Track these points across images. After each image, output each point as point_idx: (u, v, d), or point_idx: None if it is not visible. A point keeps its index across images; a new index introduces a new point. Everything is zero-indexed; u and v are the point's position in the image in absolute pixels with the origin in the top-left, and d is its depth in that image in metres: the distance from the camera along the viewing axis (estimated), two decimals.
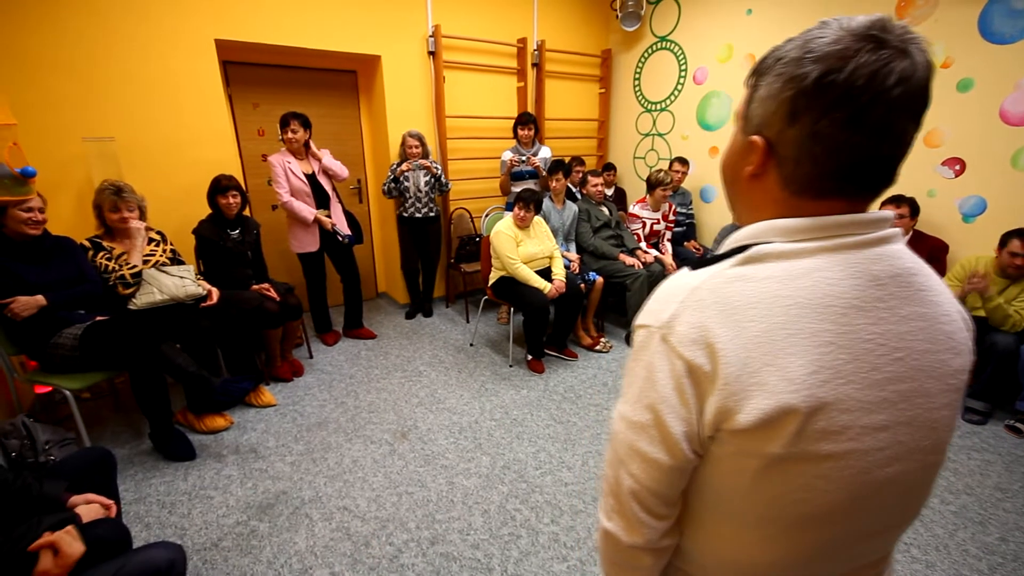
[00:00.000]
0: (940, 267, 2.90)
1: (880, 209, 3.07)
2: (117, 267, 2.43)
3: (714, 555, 0.63)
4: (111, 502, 1.45)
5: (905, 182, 3.11)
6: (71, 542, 1.09)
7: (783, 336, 0.50)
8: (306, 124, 3.19)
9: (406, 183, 3.70)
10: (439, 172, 3.75)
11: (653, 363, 0.56)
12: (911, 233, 2.99)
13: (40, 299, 2.14)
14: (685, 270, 0.58)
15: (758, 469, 0.52)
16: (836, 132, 0.49)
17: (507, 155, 3.91)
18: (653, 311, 0.58)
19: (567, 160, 4.15)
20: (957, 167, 2.97)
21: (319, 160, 3.31)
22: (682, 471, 0.58)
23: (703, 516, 0.62)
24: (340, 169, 3.38)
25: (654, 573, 0.66)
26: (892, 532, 0.62)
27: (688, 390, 0.53)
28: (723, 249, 0.58)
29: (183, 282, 2.56)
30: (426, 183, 3.73)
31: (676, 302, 0.55)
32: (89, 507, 1.37)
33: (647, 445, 0.57)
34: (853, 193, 0.53)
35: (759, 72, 0.56)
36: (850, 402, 0.50)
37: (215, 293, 2.68)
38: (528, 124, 3.85)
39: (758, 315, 0.51)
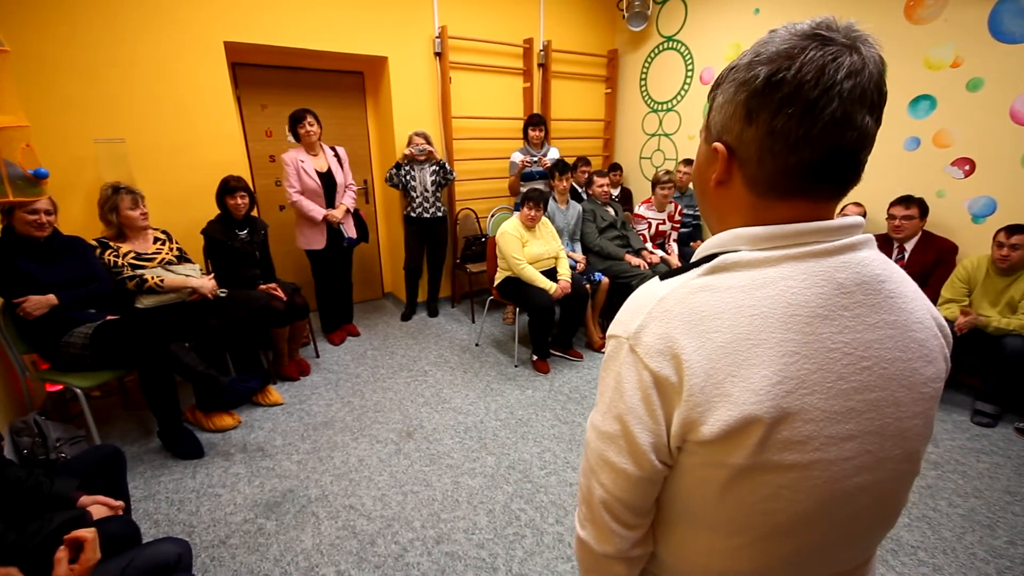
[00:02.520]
0: (949, 268, 2.88)
1: (888, 210, 3.05)
2: (124, 264, 2.46)
3: (689, 564, 0.63)
4: (120, 504, 1.47)
5: (914, 183, 3.09)
6: (95, 547, 1.11)
7: (747, 347, 0.50)
8: (318, 119, 3.23)
9: (413, 182, 3.72)
10: (442, 160, 3.78)
11: (621, 374, 0.56)
12: (920, 234, 2.97)
13: (51, 298, 2.17)
14: (655, 280, 0.59)
15: (725, 479, 0.52)
16: (793, 127, 0.50)
17: (517, 156, 3.93)
18: (622, 321, 0.58)
19: (573, 161, 4.16)
20: (967, 167, 2.95)
21: (337, 156, 3.40)
22: (651, 481, 0.58)
23: (676, 525, 0.62)
24: (352, 204, 3.50)
25: None
26: (868, 540, 0.61)
27: (655, 401, 0.53)
28: (694, 258, 0.59)
29: (187, 280, 2.58)
30: (432, 182, 3.74)
31: (644, 313, 0.55)
32: (100, 505, 1.39)
33: (615, 455, 0.58)
34: (818, 191, 0.53)
35: (716, 84, 0.57)
36: (815, 412, 0.50)
37: (197, 295, 2.62)
38: (539, 126, 3.89)
39: (723, 325, 0.50)
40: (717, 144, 0.56)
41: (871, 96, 0.49)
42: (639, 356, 0.54)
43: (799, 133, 0.50)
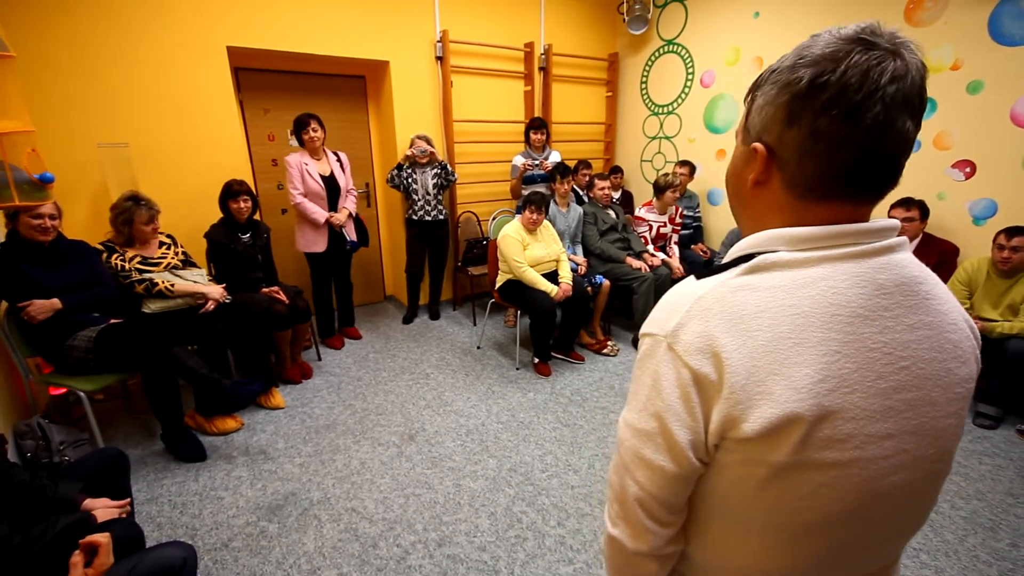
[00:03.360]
0: (950, 270, 2.88)
1: (889, 212, 3.05)
2: (131, 268, 2.47)
3: (720, 563, 0.63)
4: (124, 504, 1.48)
5: (915, 185, 3.09)
6: (109, 551, 1.12)
7: (789, 345, 0.50)
8: (322, 124, 3.26)
9: (414, 185, 3.73)
10: (443, 161, 3.80)
11: (659, 372, 0.56)
12: (921, 236, 2.97)
13: (56, 302, 2.19)
14: (691, 279, 0.59)
15: (764, 477, 0.53)
16: (836, 129, 0.50)
17: (519, 160, 3.94)
18: (658, 320, 0.58)
19: (574, 164, 4.18)
20: (967, 170, 2.95)
21: (340, 161, 3.43)
22: (687, 479, 0.58)
23: (709, 524, 0.62)
24: (354, 208, 3.54)
25: None
26: (898, 540, 0.62)
27: (694, 399, 0.54)
28: (728, 258, 0.59)
29: (196, 286, 2.59)
30: (434, 185, 3.76)
31: (682, 311, 0.55)
32: (105, 508, 1.40)
33: (652, 453, 0.58)
34: (857, 195, 0.54)
35: (756, 86, 0.58)
36: (855, 410, 0.50)
37: (210, 304, 2.61)
38: (541, 129, 3.90)
39: (764, 324, 0.51)
40: (757, 144, 0.57)
41: (913, 102, 0.50)
42: (678, 354, 0.54)
43: (842, 135, 0.50)
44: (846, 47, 0.49)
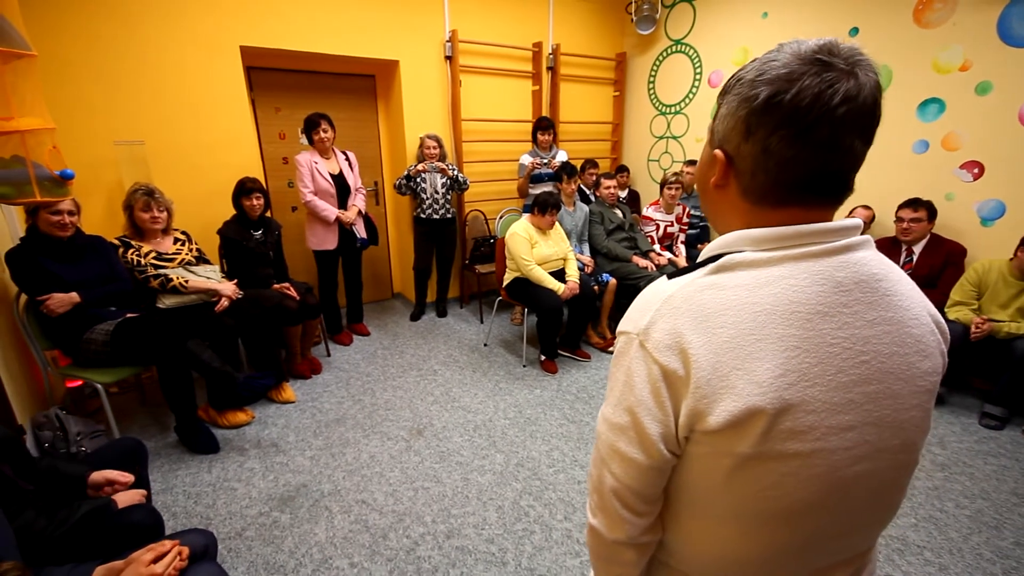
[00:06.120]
0: (957, 271, 2.88)
1: (896, 213, 3.04)
2: (147, 264, 2.52)
3: (696, 550, 0.65)
4: (129, 476, 1.50)
5: (923, 185, 3.10)
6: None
7: (751, 341, 0.52)
8: (332, 124, 3.30)
9: (423, 184, 3.77)
10: (455, 173, 3.82)
11: (632, 368, 0.59)
12: (929, 237, 2.97)
13: (74, 296, 2.24)
14: (663, 279, 0.62)
15: (730, 467, 0.55)
16: (785, 148, 0.53)
17: (526, 159, 3.97)
18: (632, 318, 0.61)
19: (580, 163, 4.20)
20: (975, 170, 2.95)
21: (348, 161, 3.47)
22: (660, 470, 0.61)
23: (683, 513, 0.64)
24: (363, 207, 3.58)
25: (638, 567, 0.68)
26: (869, 529, 0.64)
27: (664, 393, 0.56)
28: (700, 258, 0.62)
29: (209, 283, 2.64)
30: (443, 184, 3.79)
31: (652, 310, 0.58)
32: (125, 493, 1.44)
33: (626, 445, 0.60)
34: (811, 202, 0.56)
35: (725, 91, 0.60)
36: (816, 403, 0.52)
37: (224, 301, 2.64)
38: (548, 130, 3.93)
39: (728, 321, 0.53)
40: (717, 152, 0.60)
41: (864, 120, 0.52)
42: (648, 351, 0.57)
43: (789, 154, 0.53)
44: (801, 68, 0.51)
